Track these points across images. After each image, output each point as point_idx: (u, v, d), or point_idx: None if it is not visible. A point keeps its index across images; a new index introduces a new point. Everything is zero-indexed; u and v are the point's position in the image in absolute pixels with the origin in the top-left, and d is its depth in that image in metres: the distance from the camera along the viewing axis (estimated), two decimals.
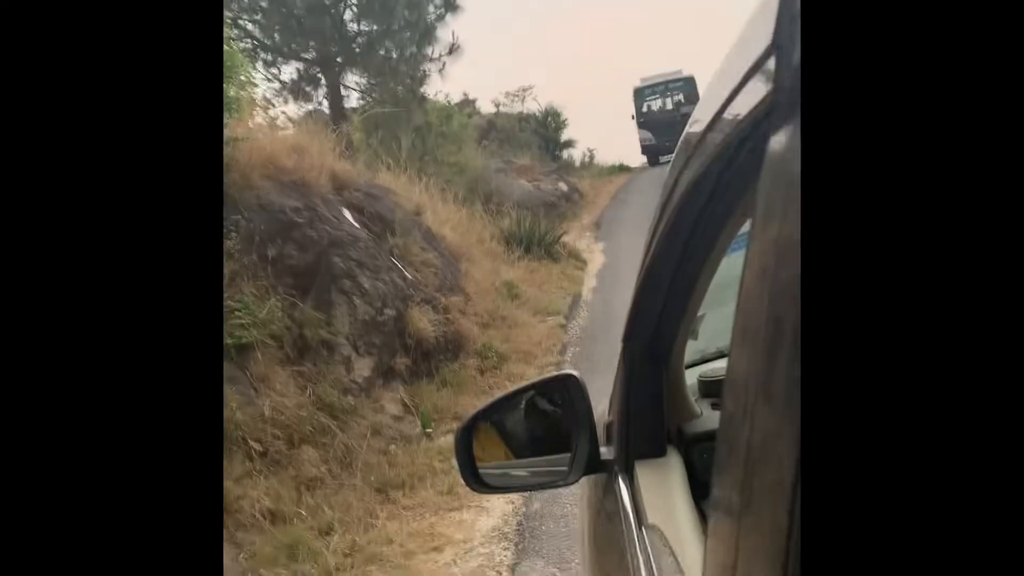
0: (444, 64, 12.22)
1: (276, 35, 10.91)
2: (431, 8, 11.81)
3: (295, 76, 12.05)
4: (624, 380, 1.14)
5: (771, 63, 0.48)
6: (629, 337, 1.12)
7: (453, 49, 12.11)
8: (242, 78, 4.68)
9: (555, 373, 1.28)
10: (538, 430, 1.30)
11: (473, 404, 4.95)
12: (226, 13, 4.62)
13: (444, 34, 12.01)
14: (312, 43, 11.20)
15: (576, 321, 7.06)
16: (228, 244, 4.28)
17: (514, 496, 3.66)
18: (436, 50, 11.99)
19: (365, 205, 5.72)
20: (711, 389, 1.24)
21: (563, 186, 16.69)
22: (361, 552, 3.35)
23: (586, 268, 9.48)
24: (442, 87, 14.22)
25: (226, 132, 4.50)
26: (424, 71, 12.25)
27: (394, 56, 11.74)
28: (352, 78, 12.32)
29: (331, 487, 3.83)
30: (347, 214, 5.35)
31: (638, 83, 20.27)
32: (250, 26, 10.92)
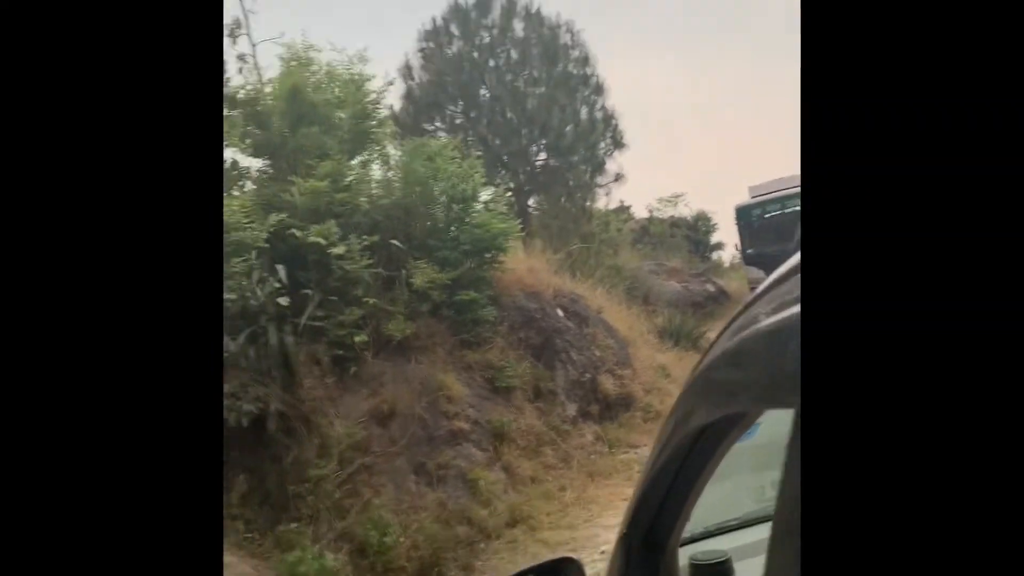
0: (611, 189, 15.90)
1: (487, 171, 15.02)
2: (602, 146, 15.56)
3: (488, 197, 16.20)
4: (621, 568, 1.23)
5: None
6: (630, 527, 1.19)
7: (618, 178, 15.78)
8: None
9: (555, 557, 1.40)
10: None
11: (640, 440, 8.08)
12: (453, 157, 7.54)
13: (611, 166, 15.73)
14: (509, 175, 15.22)
15: None
16: (501, 329, 7.78)
17: None
18: (605, 179, 15.71)
19: (569, 307, 9.12)
20: (702, 574, 1.30)
21: (711, 287, 19.20)
22: (582, 499, 6.51)
23: None
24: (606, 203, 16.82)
25: (503, 263, 8.12)
26: (594, 194, 15.98)
27: (571, 184, 15.52)
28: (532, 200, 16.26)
29: (561, 470, 7.04)
30: (560, 312, 8.77)
31: (746, 198, 14.17)
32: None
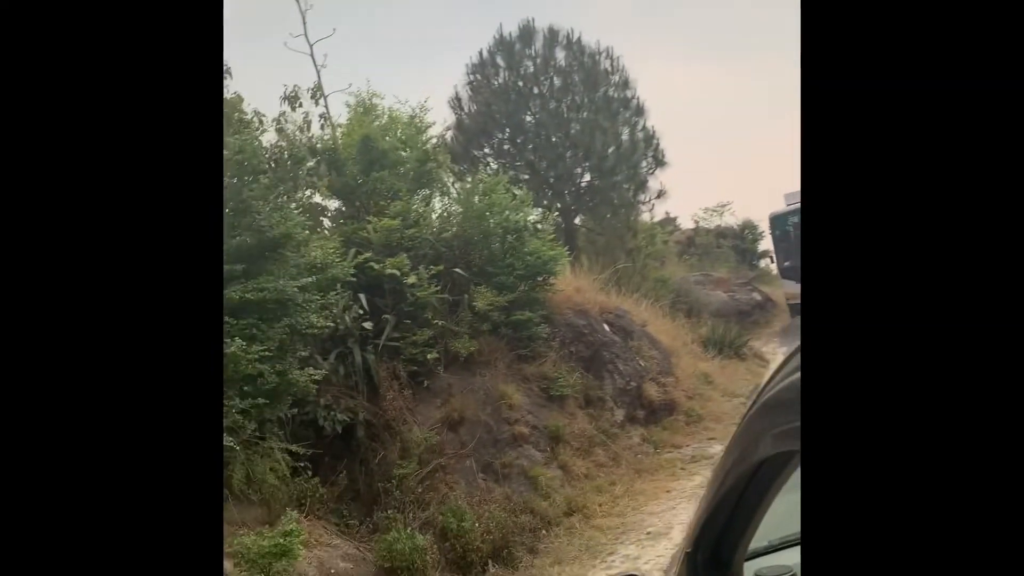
0: (653, 205, 16.84)
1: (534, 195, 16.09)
2: (644, 165, 16.52)
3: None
4: None
5: None
6: (695, 545, 1.21)
7: (661, 195, 16.71)
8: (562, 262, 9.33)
9: (621, 572, 1.81)
10: None
11: (683, 441, 9.00)
12: (503, 180, 8.70)
13: (654, 183, 16.68)
14: (555, 196, 16.29)
15: None
16: (554, 344, 8.82)
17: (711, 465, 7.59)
18: (647, 196, 16.66)
19: (614, 321, 10.11)
20: None
21: (757, 296, 19.72)
22: (630, 492, 7.49)
23: (767, 367, 13.10)
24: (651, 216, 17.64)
25: (553, 285, 9.17)
26: (637, 211, 16.93)
27: (615, 202, 16.50)
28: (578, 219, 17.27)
29: (611, 468, 8.03)
30: (606, 327, 9.76)
31: (781, 205, 12.59)
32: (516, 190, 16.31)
